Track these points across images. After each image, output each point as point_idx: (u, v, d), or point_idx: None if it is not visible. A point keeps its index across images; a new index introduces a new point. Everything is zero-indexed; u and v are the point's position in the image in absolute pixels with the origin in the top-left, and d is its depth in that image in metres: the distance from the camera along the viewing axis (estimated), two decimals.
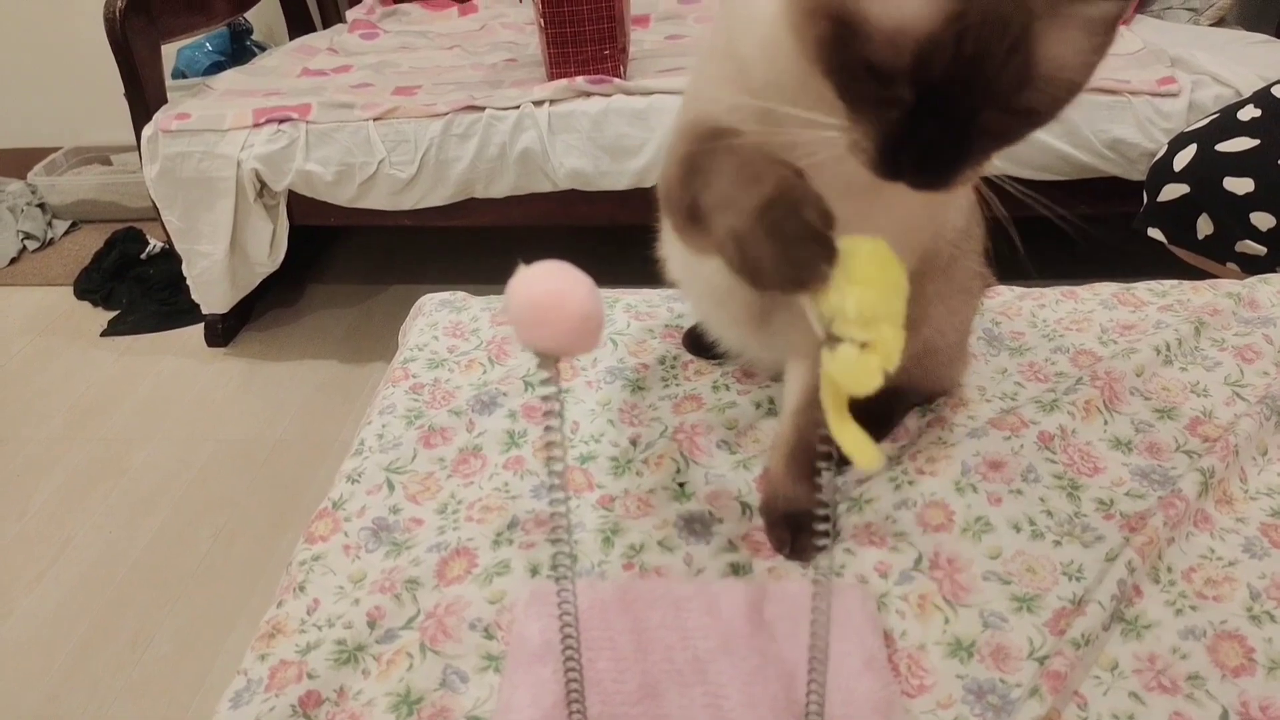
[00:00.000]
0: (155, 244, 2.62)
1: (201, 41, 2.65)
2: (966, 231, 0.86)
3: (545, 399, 0.53)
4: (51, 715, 1.43)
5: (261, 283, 2.33)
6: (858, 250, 0.53)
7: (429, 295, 1.20)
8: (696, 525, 0.84)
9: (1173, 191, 1.67)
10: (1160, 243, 1.74)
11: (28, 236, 2.73)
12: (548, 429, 0.54)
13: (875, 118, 0.54)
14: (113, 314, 2.46)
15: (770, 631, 0.73)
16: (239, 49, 2.74)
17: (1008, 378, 1.00)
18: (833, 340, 0.52)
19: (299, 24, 2.85)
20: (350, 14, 2.78)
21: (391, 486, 0.89)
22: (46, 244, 2.76)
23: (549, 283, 0.51)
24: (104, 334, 2.40)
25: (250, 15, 2.71)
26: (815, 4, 0.54)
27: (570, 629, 0.62)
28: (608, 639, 0.73)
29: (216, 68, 2.63)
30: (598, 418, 0.97)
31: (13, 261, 2.69)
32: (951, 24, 0.49)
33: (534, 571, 0.80)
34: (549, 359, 0.52)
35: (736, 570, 0.81)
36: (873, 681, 0.69)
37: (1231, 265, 1.67)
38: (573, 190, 2.10)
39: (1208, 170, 1.62)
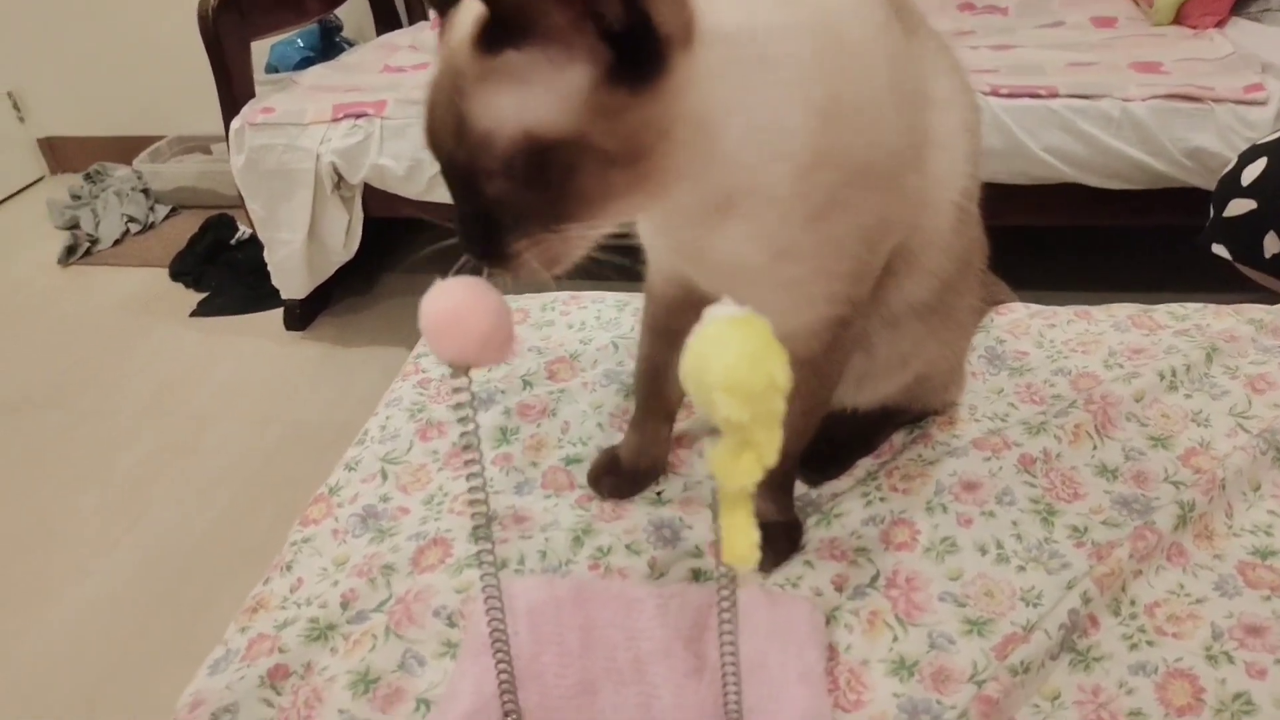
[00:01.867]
0: (244, 230, 2.76)
1: (293, 38, 2.78)
2: (961, 270, 0.85)
3: (457, 407, 0.56)
4: (117, 672, 1.55)
5: (340, 270, 2.44)
6: (726, 345, 0.49)
7: None
8: (665, 530, 0.87)
9: (1239, 207, 1.59)
10: (1226, 260, 1.66)
11: (131, 219, 2.93)
12: (463, 435, 0.57)
13: None
14: (203, 296, 2.61)
15: (713, 636, 0.74)
16: (328, 45, 2.86)
17: (1002, 398, 0.99)
18: (713, 431, 0.50)
19: (386, 21, 2.96)
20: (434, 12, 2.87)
21: (385, 476, 0.95)
22: (148, 227, 2.95)
23: (453, 299, 0.54)
24: (193, 314, 2.56)
25: (340, 12, 2.83)
26: None
27: (498, 624, 0.65)
28: (557, 634, 0.76)
29: (306, 63, 2.76)
30: (588, 420, 1.00)
31: (116, 243, 2.88)
32: (425, 105, 0.59)
33: (502, 565, 0.84)
34: (459, 368, 0.56)
35: (698, 576, 0.83)
36: (805, 694, 0.70)
37: None
38: None
39: (1277, 186, 1.54)
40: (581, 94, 0.54)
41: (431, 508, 0.91)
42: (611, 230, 0.64)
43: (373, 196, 2.32)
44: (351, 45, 2.88)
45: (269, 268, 2.42)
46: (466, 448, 0.58)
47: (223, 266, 2.69)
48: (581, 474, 0.93)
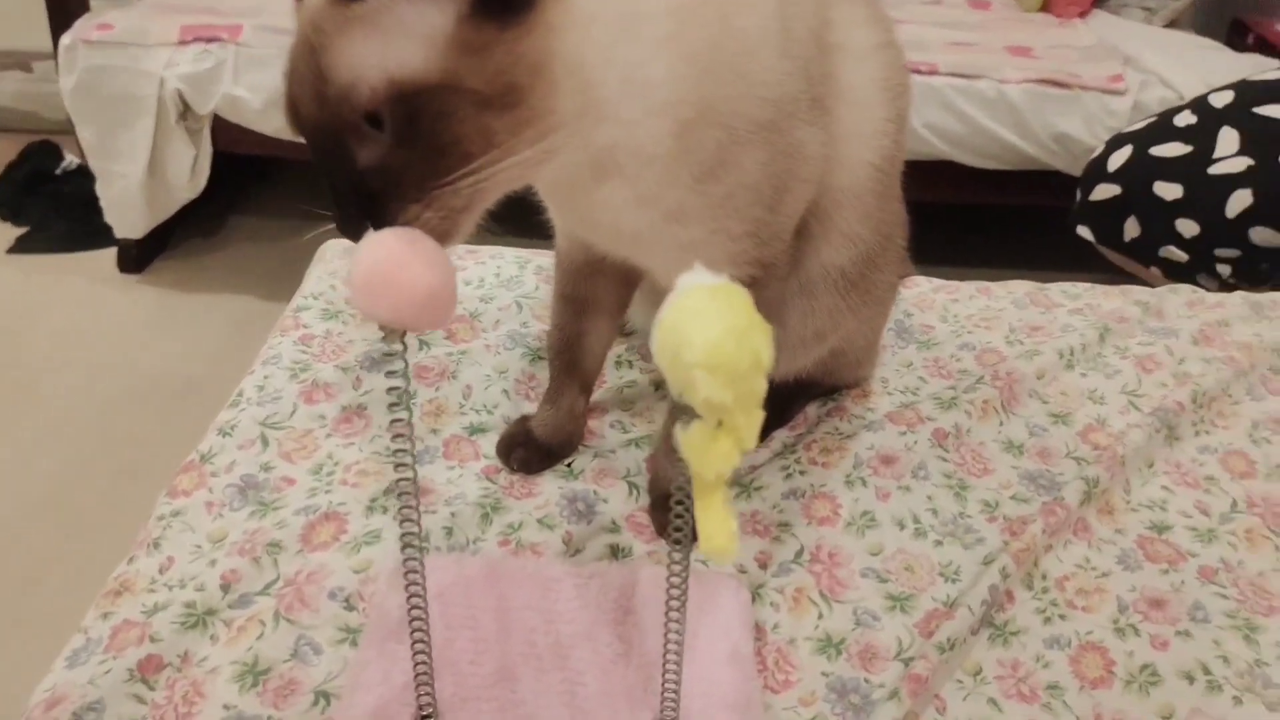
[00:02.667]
0: (71, 160, 2.50)
1: None
2: (883, 243, 0.84)
3: (389, 374, 0.49)
4: None
5: (182, 210, 2.24)
6: (708, 318, 0.44)
7: (333, 241, 1.15)
8: (579, 504, 0.82)
9: (1105, 191, 1.68)
10: (1089, 241, 1.75)
11: None
12: (392, 406, 0.51)
13: None
14: (22, 231, 2.35)
15: (637, 619, 0.71)
16: None
17: (912, 371, 0.99)
18: (686, 413, 0.45)
19: None
20: None
21: (266, 442, 0.86)
22: None
23: (390, 252, 0.47)
24: (11, 250, 2.29)
25: None
26: None
27: (419, 610, 0.59)
28: (469, 617, 0.70)
29: None
30: (492, 385, 0.94)
31: None
32: (285, 75, 0.56)
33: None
34: (394, 333, 0.49)
35: (615, 552, 0.79)
36: (734, 675, 0.68)
37: (1154, 269, 1.69)
38: None
39: (1140, 173, 1.63)
40: (446, 32, 0.52)
41: (320, 478, 0.82)
42: (501, 193, 0.60)
43: (224, 130, 2.13)
44: None
45: (101, 202, 2.19)
46: (396, 420, 0.51)
47: (46, 198, 2.43)
48: (487, 444, 0.87)
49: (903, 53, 0.83)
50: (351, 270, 0.48)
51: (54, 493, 1.67)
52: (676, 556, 0.54)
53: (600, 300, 0.84)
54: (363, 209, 0.53)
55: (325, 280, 1.07)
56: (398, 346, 0.49)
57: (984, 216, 2.43)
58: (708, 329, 0.43)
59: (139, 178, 2.13)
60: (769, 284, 0.75)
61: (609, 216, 0.69)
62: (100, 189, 2.17)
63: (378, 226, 0.53)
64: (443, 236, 0.55)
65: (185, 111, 2.09)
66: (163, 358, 2.04)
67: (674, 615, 0.56)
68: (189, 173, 2.16)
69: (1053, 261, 2.25)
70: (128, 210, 2.18)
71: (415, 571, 0.57)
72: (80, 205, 2.37)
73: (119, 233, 2.23)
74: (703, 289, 0.45)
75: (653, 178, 0.65)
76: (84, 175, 2.37)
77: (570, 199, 0.72)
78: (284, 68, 0.56)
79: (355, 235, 0.54)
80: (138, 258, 2.28)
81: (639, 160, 0.64)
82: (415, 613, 0.59)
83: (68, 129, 2.22)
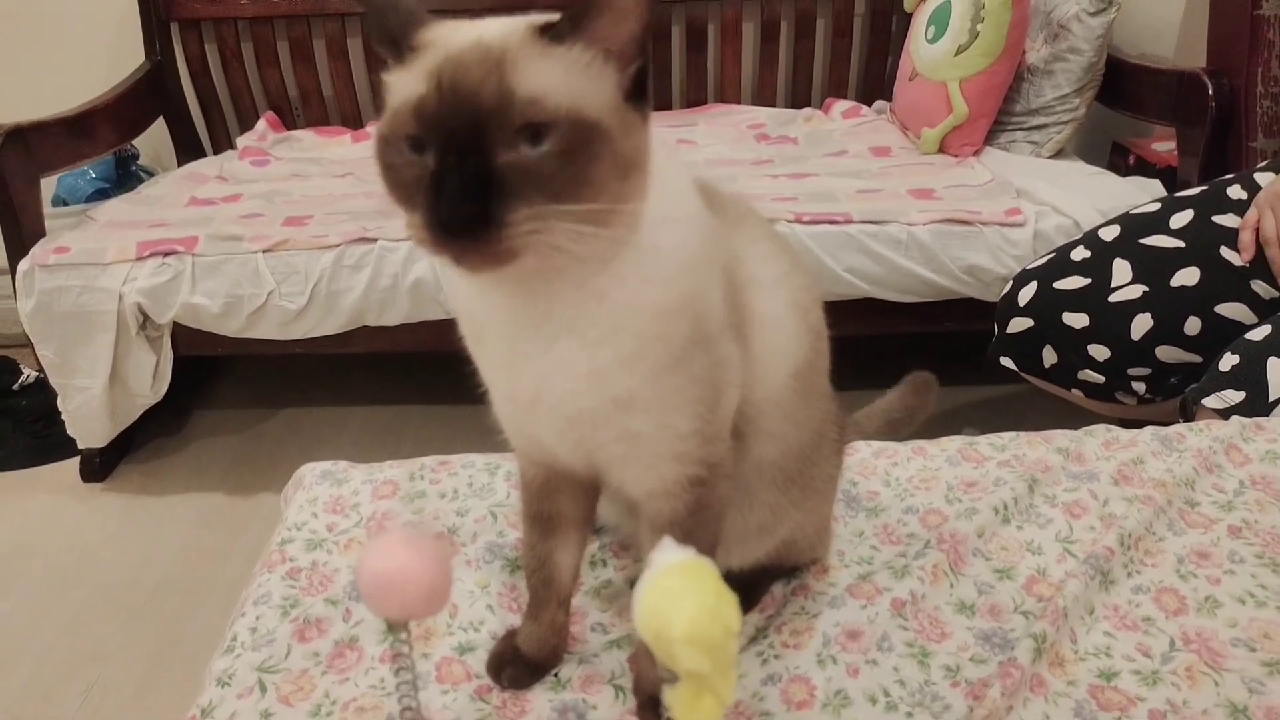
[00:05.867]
0: (29, 373, 2.54)
1: (84, 168, 2.61)
2: (816, 441, 0.93)
3: (396, 657, 0.55)
4: None
5: (143, 411, 2.29)
6: (683, 597, 0.51)
7: (310, 465, 1.21)
8: (570, 715, 0.86)
9: (1019, 325, 1.81)
10: (1012, 370, 1.87)
11: None
12: (400, 684, 0.56)
13: (415, 193, 0.61)
14: None
15: None
16: (124, 175, 2.71)
17: (864, 541, 1.07)
18: (668, 674, 0.53)
19: (188, 149, 2.84)
20: (241, 140, 2.78)
21: (264, 688, 0.89)
22: None
23: (395, 557, 0.54)
24: None
25: (137, 140, 2.69)
26: (380, 135, 0.66)
27: None
28: None
29: (100, 195, 2.60)
30: (477, 601, 0.99)
31: None
32: (433, 79, 0.62)
33: None
34: (399, 624, 0.55)
35: None
36: None
37: (1076, 391, 1.81)
38: None
39: (1048, 306, 1.77)
40: (616, 98, 0.64)
41: None
42: (571, 258, 0.64)
43: (183, 335, 2.22)
44: (151, 175, 2.74)
45: (63, 415, 2.24)
46: (406, 710, 0.56)
47: (4, 415, 2.44)
48: (476, 662, 0.92)
49: (807, 273, 0.92)
50: (357, 575, 0.54)
51: (25, 710, 1.65)
52: None
53: (566, 516, 0.90)
54: (479, 200, 0.59)
55: (306, 509, 1.12)
56: (404, 635, 0.55)
57: (907, 342, 2.57)
58: (684, 608, 0.51)
59: (101, 389, 2.18)
60: (716, 483, 0.81)
61: (557, 388, 0.72)
62: (62, 403, 2.21)
63: (483, 220, 0.58)
64: (517, 252, 0.60)
65: (145, 322, 2.16)
66: (131, 564, 2.05)
67: None
68: (150, 379, 2.22)
69: (972, 379, 2.40)
70: (90, 422, 2.23)
71: None
72: (40, 419, 2.40)
73: (82, 443, 2.27)
74: (675, 569, 0.52)
75: (610, 350, 0.70)
76: (42, 388, 2.41)
77: (524, 362, 0.72)
78: (441, 69, 0.62)
79: (460, 223, 0.59)
80: (101, 466, 2.31)
81: (616, 310, 0.69)
82: None
83: (22, 342, 2.27)
